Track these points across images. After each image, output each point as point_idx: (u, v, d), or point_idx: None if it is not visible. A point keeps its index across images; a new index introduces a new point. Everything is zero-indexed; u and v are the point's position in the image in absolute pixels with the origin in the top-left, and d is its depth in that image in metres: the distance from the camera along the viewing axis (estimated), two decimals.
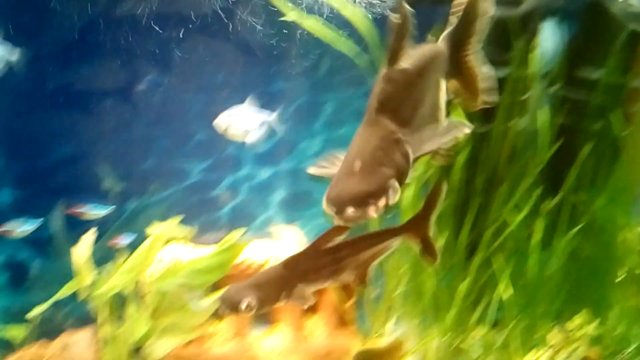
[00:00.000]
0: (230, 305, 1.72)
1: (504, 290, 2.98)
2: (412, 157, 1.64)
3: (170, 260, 2.77)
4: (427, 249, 1.91)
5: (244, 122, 2.89)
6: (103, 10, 2.82)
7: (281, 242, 3.11)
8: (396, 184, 1.56)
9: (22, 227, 2.80)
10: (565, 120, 3.24)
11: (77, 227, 2.83)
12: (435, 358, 3.00)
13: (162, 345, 2.69)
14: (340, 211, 1.55)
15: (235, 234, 2.67)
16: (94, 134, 3.01)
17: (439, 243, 3.09)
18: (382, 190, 1.57)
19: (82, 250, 2.58)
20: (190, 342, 2.86)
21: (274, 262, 3.09)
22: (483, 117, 2.97)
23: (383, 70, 1.70)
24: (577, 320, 2.93)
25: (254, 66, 3.11)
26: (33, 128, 2.94)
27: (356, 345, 2.93)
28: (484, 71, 1.85)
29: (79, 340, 2.23)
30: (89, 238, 2.59)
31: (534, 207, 3.08)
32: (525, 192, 3.09)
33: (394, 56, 1.69)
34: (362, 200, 1.54)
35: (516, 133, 3.12)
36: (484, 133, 3.00)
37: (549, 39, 3.18)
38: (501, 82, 2.96)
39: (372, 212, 1.53)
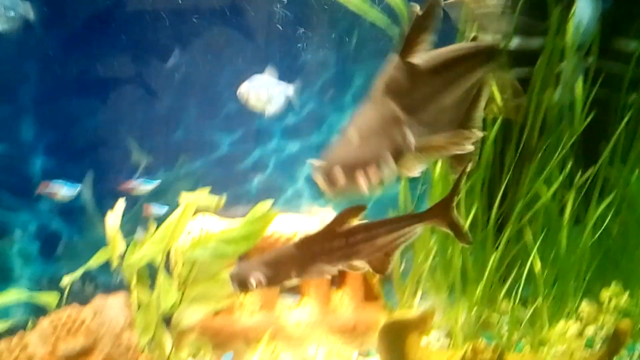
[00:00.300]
0: (239, 281, 1.75)
1: (534, 264, 2.94)
2: (412, 142, 1.61)
3: (200, 231, 2.76)
4: (457, 233, 1.91)
5: (264, 92, 2.86)
6: None
7: (310, 216, 3.06)
8: (389, 159, 1.52)
9: (65, 191, 2.76)
10: (599, 92, 3.18)
11: (106, 197, 2.77)
12: (463, 332, 2.94)
13: (191, 315, 2.68)
14: (327, 178, 1.51)
15: (264, 206, 2.65)
16: (124, 105, 2.99)
17: (469, 217, 3.01)
18: (372, 160, 1.52)
19: (113, 220, 2.57)
20: (218, 312, 2.86)
21: (302, 235, 3.27)
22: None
23: (394, 57, 1.68)
24: (607, 293, 2.91)
25: (283, 38, 3.07)
26: (64, 98, 2.91)
27: (383, 319, 2.87)
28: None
29: (112, 304, 2.25)
30: (119, 208, 2.57)
31: (565, 180, 3.06)
32: (557, 166, 3.06)
33: (406, 47, 1.66)
34: (351, 168, 1.49)
35: (549, 105, 2.98)
36: (516, 105, 2.89)
37: (584, 10, 3.11)
38: (535, 53, 2.92)
39: (362, 182, 1.49)
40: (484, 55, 1.98)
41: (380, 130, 1.59)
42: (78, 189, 2.83)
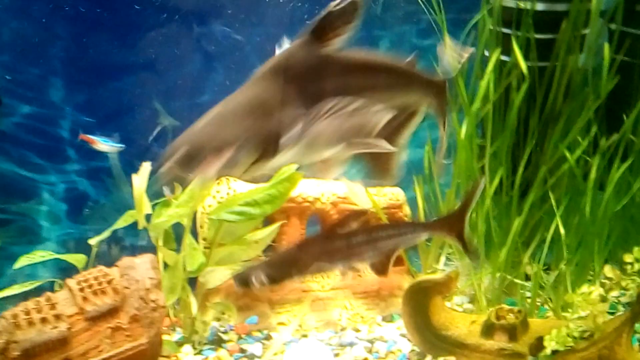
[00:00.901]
0: (242, 282, 1.82)
1: (557, 229, 2.92)
2: (294, 131, 1.45)
3: (226, 194, 2.74)
4: (466, 248, 1.90)
5: None
6: None
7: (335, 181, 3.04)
8: (249, 147, 1.38)
9: (105, 144, 2.77)
10: (624, 57, 3.11)
11: (133, 159, 2.75)
12: (486, 297, 2.96)
13: (217, 277, 2.69)
14: (169, 156, 1.39)
15: (290, 168, 2.61)
16: (153, 69, 2.97)
17: (494, 182, 2.97)
18: (224, 146, 1.38)
19: (140, 182, 2.55)
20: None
21: (327, 197, 3.04)
22: (541, 52, 2.91)
23: (302, 40, 1.55)
24: (630, 258, 2.81)
25: (307, 3, 3.02)
26: (93, 60, 2.89)
27: (407, 283, 2.88)
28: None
29: (140, 263, 2.24)
30: (145, 170, 2.56)
31: (589, 146, 3.02)
32: (582, 130, 3.02)
33: (317, 30, 1.54)
34: (199, 149, 1.38)
35: (574, 70, 2.93)
36: (542, 69, 2.87)
37: None
38: (560, 17, 2.85)
39: (209, 167, 1.36)
40: (422, 85, 1.85)
41: (253, 114, 1.45)
42: (120, 147, 2.80)
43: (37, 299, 2.15)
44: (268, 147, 1.43)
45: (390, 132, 1.72)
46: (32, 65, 2.95)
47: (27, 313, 2.08)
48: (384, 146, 1.59)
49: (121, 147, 2.93)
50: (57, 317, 2.04)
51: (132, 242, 2.96)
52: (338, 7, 1.51)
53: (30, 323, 2.02)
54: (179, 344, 2.71)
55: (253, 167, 1.46)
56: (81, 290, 2.14)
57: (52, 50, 2.94)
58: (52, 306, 2.07)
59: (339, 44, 1.59)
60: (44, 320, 2.01)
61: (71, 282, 2.15)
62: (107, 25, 2.87)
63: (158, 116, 2.96)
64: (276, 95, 1.47)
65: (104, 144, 2.87)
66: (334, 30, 1.56)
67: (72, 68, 3.00)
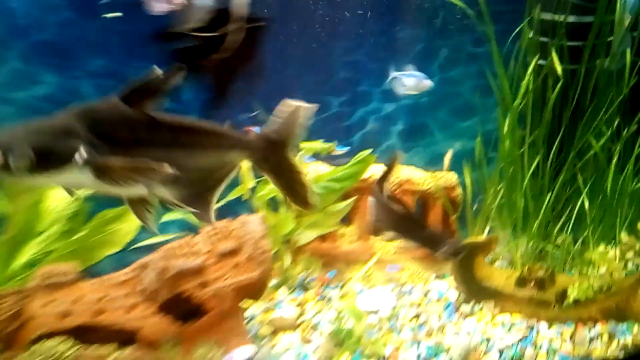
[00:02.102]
0: (454, 253, 2.40)
1: (583, 205, 3.06)
2: (84, 156, 1.43)
3: (314, 173, 3.03)
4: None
5: (407, 82, 3.01)
6: None
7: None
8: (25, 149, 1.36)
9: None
10: None
11: None
12: (522, 260, 3.12)
13: (304, 237, 3.03)
14: None
15: (365, 153, 2.92)
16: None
17: (532, 166, 3.11)
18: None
19: (246, 162, 2.86)
20: (325, 239, 3.15)
21: (393, 179, 3.17)
22: (572, 57, 3.03)
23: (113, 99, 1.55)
24: None
25: (382, 17, 3.19)
26: None
27: None
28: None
29: (253, 219, 2.55)
30: None
31: (613, 135, 3.11)
32: (606, 122, 3.11)
33: (131, 95, 1.56)
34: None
35: (600, 71, 3.07)
36: (573, 71, 3.04)
37: None
38: (587, 27, 3.01)
39: None
40: (239, 145, 1.82)
41: (43, 130, 1.44)
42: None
43: (181, 241, 2.46)
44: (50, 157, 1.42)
45: (210, 185, 1.78)
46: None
47: (176, 249, 2.42)
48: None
49: None
50: (196, 253, 2.40)
51: (240, 210, 2.99)
52: (153, 78, 1.54)
53: (179, 255, 2.38)
54: (275, 287, 2.98)
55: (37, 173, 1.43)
56: (211, 236, 2.46)
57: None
58: (192, 245, 2.41)
59: (152, 107, 1.60)
60: (188, 254, 2.38)
61: (205, 229, 2.49)
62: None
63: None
64: (75, 125, 1.45)
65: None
66: (147, 97, 1.58)
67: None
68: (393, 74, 2.94)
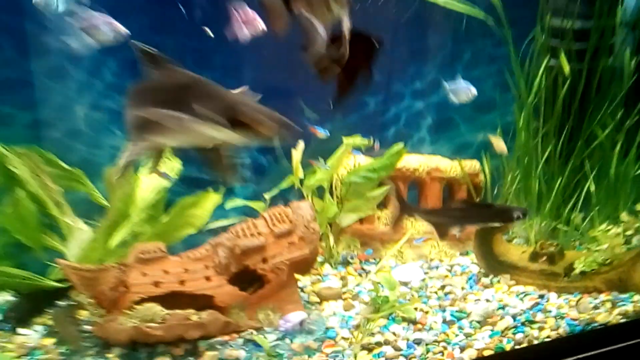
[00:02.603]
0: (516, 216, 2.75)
1: (590, 188, 3.18)
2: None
3: (354, 164, 3.18)
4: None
5: (460, 88, 2.97)
6: None
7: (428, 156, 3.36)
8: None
9: (322, 133, 2.95)
10: None
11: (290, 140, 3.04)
12: (535, 238, 3.27)
13: (346, 219, 3.17)
14: None
15: (397, 146, 3.07)
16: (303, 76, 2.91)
17: (545, 154, 3.22)
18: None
19: (297, 155, 3.04)
20: (363, 222, 3.27)
21: (422, 168, 3.27)
22: (579, 57, 3.14)
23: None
24: None
25: (415, 29, 3.23)
26: (254, 61, 2.92)
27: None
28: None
29: (303, 205, 2.72)
30: (300, 147, 3.05)
31: (617, 125, 3.20)
32: (611, 114, 3.20)
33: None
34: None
35: (604, 68, 3.17)
36: (581, 69, 3.15)
37: None
38: (594, 30, 3.08)
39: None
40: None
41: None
42: (327, 134, 2.96)
43: (245, 224, 2.63)
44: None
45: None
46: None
47: (242, 230, 2.61)
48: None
49: (327, 134, 3.04)
50: (259, 233, 2.59)
51: (290, 197, 3.08)
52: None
53: (244, 236, 2.58)
54: (321, 263, 3.15)
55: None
56: (270, 219, 2.66)
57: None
58: (255, 227, 2.60)
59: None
60: (251, 235, 2.58)
61: (265, 214, 2.68)
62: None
63: (305, 111, 3.05)
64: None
65: (321, 133, 2.97)
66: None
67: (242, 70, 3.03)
68: (445, 85, 3.03)
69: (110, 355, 2.37)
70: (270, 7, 2.05)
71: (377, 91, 3.34)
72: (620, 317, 2.81)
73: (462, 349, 2.55)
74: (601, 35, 3.12)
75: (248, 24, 2.23)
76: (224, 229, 2.72)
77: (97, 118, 2.80)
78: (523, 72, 3.27)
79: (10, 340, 2.43)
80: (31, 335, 2.48)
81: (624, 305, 2.87)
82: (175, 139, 1.99)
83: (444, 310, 2.80)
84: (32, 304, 2.56)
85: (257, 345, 2.47)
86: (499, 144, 3.13)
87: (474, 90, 2.98)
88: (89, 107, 2.80)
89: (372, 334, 2.59)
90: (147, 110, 1.85)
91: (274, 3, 1.99)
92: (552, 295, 2.93)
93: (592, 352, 2.72)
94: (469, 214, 2.86)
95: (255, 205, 2.99)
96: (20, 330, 2.49)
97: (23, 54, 2.64)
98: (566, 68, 3.09)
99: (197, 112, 1.81)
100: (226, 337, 2.49)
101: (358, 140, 3.12)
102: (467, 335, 2.63)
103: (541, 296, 2.94)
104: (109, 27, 2.14)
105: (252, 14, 2.23)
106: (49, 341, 2.44)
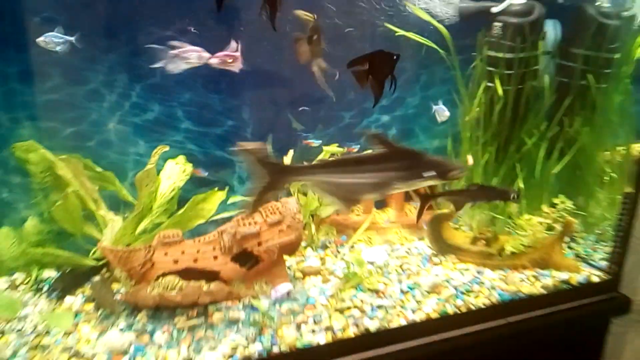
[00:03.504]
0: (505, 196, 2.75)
1: (519, 185, 3.28)
2: None
3: None
4: None
5: (441, 110, 3.21)
6: None
7: None
8: None
9: (314, 142, 3.08)
10: (561, 80, 3.43)
11: (281, 149, 3.10)
12: (477, 227, 3.37)
13: (325, 211, 3.29)
14: None
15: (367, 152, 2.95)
16: (291, 92, 3.03)
17: (485, 157, 3.28)
18: None
19: (287, 159, 3.10)
20: (339, 214, 3.36)
21: None
22: (510, 80, 3.19)
23: None
24: (557, 200, 3.21)
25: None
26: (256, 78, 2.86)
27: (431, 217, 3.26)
28: None
29: (290, 201, 2.79)
30: (290, 154, 3.12)
31: (541, 134, 3.33)
32: (535, 126, 3.32)
33: None
34: None
35: (530, 89, 3.26)
36: (511, 89, 3.21)
37: (550, 30, 3.38)
38: (521, 59, 3.15)
39: None
40: None
41: None
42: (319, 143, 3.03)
43: (244, 215, 2.69)
44: None
45: None
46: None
47: (242, 220, 2.68)
48: None
49: (320, 143, 3.10)
50: (255, 223, 2.66)
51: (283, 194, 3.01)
52: None
53: (244, 225, 2.65)
54: (304, 247, 3.19)
55: None
56: (264, 211, 2.72)
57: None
58: (252, 217, 2.68)
59: None
60: (249, 224, 2.66)
61: (260, 209, 2.72)
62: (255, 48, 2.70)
63: (292, 122, 3.11)
64: None
65: (315, 143, 3.09)
66: None
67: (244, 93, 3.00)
68: (434, 107, 3.19)
69: (138, 317, 2.48)
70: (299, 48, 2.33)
71: (350, 107, 3.39)
72: (542, 289, 2.96)
73: (414, 312, 2.69)
74: (527, 63, 3.19)
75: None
76: (228, 219, 2.78)
77: (125, 131, 2.85)
78: (467, 91, 3.33)
79: (59, 305, 2.56)
80: (74, 301, 2.61)
81: (544, 279, 3.03)
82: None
83: (400, 282, 2.90)
84: (74, 278, 2.68)
85: (254, 309, 2.57)
86: (470, 160, 3.27)
87: (447, 113, 3.15)
88: (119, 123, 2.85)
89: (343, 300, 2.70)
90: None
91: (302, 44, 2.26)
92: (488, 271, 3.08)
93: (518, 317, 2.84)
94: (480, 193, 2.89)
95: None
96: (65, 298, 2.62)
97: (69, 82, 2.72)
98: (499, 90, 3.18)
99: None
100: (229, 303, 2.59)
101: (334, 147, 3.22)
102: (418, 302, 2.76)
103: (479, 272, 3.08)
104: (197, 55, 2.31)
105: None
106: (89, 306, 2.57)
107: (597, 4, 3.26)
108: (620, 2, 3.25)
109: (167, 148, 2.69)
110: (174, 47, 2.29)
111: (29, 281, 2.60)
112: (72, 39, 2.28)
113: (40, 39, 2.25)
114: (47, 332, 2.32)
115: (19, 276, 2.66)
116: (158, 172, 2.74)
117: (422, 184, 2.15)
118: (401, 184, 2.12)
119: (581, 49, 3.33)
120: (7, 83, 2.47)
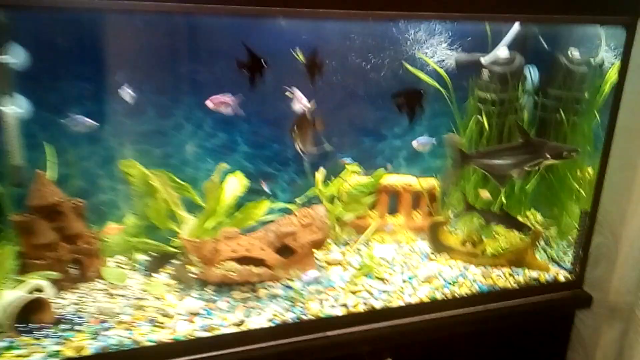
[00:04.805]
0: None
1: (504, 200, 3.39)
2: None
3: (352, 181, 3.41)
4: None
5: (425, 141, 3.30)
6: None
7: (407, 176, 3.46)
8: None
9: (348, 160, 3.26)
10: (540, 114, 3.57)
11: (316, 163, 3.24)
12: (468, 230, 3.44)
13: (348, 216, 3.47)
14: None
15: (379, 171, 3.41)
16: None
17: (476, 175, 3.33)
18: None
19: (320, 174, 3.25)
20: (359, 218, 3.51)
21: (400, 183, 3.50)
22: (495, 115, 3.35)
23: None
24: (530, 214, 3.50)
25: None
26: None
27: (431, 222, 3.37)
28: None
29: (319, 208, 3.06)
30: (322, 171, 3.31)
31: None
32: None
33: None
34: None
35: (512, 123, 3.41)
36: (497, 123, 3.37)
37: (530, 74, 3.53)
38: (504, 100, 3.34)
39: None
40: None
41: None
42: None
43: (285, 218, 2.95)
44: None
45: None
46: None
47: (283, 222, 2.93)
48: None
49: (352, 160, 3.28)
50: (292, 224, 2.95)
51: (314, 202, 3.25)
52: None
53: (284, 225, 2.94)
54: (329, 243, 3.38)
55: None
56: (299, 215, 3.01)
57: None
58: (290, 220, 2.95)
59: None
60: (288, 224, 2.94)
61: (296, 212, 3.04)
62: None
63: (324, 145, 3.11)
64: None
65: (347, 160, 3.24)
66: None
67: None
68: (414, 143, 3.29)
69: (207, 289, 2.76)
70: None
71: (368, 135, 3.54)
72: (514, 283, 3.20)
73: (410, 296, 2.95)
74: (510, 102, 3.33)
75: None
76: (272, 221, 3.01)
77: (199, 153, 3.17)
78: (462, 123, 3.42)
79: (150, 280, 2.87)
80: (160, 278, 2.90)
81: (517, 275, 3.26)
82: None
83: (402, 273, 3.13)
84: (160, 260, 3.01)
85: (289, 288, 2.83)
86: (485, 194, 3.30)
87: (430, 142, 3.37)
88: (195, 146, 3.17)
89: (356, 285, 2.98)
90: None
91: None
92: (472, 268, 3.28)
93: (493, 305, 3.07)
94: (503, 219, 3.01)
95: (291, 206, 3.24)
96: (154, 275, 2.91)
97: (160, 116, 2.98)
98: (485, 124, 3.32)
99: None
100: (272, 283, 2.87)
101: (355, 167, 3.43)
102: (414, 289, 3.00)
103: (465, 267, 3.27)
104: (233, 104, 2.61)
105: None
106: (171, 282, 2.86)
107: (568, 52, 3.50)
108: (589, 50, 3.42)
109: (226, 165, 3.06)
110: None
111: (128, 262, 3.02)
112: (132, 94, 2.61)
113: (120, 90, 2.58)
114: (144, 298, 2.78)
115: (121, 258, 3.11)
116: (221, 183, 3.01)
117: (546, 163, 2.78)
118: (531, 163, 2.82)
119: (554, 89, 3.48)
120: (116, 117, 2.88)
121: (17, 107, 2.44)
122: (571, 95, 3.39)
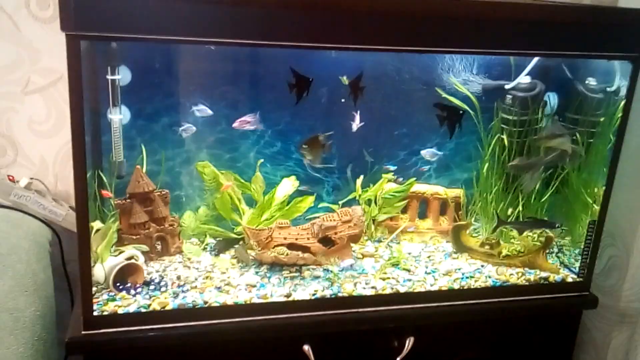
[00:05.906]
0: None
1: (520, 209, 3.74)
2: None
3: (387, 187, 3.70)
4: None
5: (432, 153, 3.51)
6: None
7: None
8: None
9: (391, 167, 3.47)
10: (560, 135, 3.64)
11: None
12: (488, 234, 3.73)
13: (381, 217, 3.44)
14: None
15: (410, 180, 3.65)
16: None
17: (497, 187, 3.67)
18: None
19: (359, 181, 3.42)
20: (391, 219, 3.66)
21: (428, 191, 3.77)
22: (517, 134, 3.61)
23: None
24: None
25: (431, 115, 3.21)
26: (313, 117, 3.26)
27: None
28: None
29: (358, 208, 3.28)
30: (361, 177, 3.64)
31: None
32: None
33: None
34: None
35: (531, 141, 3.61)
36: (518, 141, 3.61)
37: (550, 100, 3.75)
38: (524, 122, 3.66)
39: None
40: None
41: None
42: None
43: (328, 214, 3.34)
44: None
45: None
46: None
47: (326, 218, 3.32)
48: None
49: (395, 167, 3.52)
50: (334, 220, 3.32)
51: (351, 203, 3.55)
52: None
53: (327, 220, 3.27)
54: (365, 239, 3.48)
55: None
56: (340, 213, 3.34)
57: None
58: (332, 217, 3.31)
59: None
60: (331, 220, 3.28)
61: (338, 211, 3.33)
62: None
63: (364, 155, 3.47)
64: None
65: (391, 167, 3.55)
66: None
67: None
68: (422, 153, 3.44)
69: (262, 269, 2.93)
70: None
71: (404, 148, 3.84)
72: (525, 281, 3.46)
73: (431, 285, 3.24)
74: (529, 123, 3.69)
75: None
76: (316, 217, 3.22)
77: (259, 158, 3.53)
78: (487, 141, 3.75)
79: (217, 258, 3.37)
80: (225, 257, 3.46)
81: (528, 275, 3.56)
82: None
83: (427, 267, 3.11)
84: (225, 244, 3.48)
85: (329, 271, 2.72)
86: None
87: (439, 153, 3.60)
88: (257, 153, 3.53)
89: (385, 273, 3.39)
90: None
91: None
92: (489, 266, 3.54)
93: (502, 299, 3.25)
94: (534, 223, 3.23)
95: (334, 206, 3.22)
96: (220, 255, 3.43)
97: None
98: (506, 141, 3.62)
99: None
100: (315, 267, 2.78)
101: (390, 175, 3.78)
102: (435, 279, 3.23)
103: (482, 265, 3.56)
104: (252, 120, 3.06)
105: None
106: (233, 261, 3.41)
107: (585, 82, 3.69)
108: (606, 78, 3.60)
109: (261, 161, 3.45)
110: None
111: (200, 244, 3.46)
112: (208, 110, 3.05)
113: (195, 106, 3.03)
114: (212, 271, 3.22)
115: (194, 240, 3.55)
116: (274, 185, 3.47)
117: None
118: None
119: (572, 114, 3.79)
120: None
121: (121, 115, 2.94)
122: (587, 120, 3.68)
